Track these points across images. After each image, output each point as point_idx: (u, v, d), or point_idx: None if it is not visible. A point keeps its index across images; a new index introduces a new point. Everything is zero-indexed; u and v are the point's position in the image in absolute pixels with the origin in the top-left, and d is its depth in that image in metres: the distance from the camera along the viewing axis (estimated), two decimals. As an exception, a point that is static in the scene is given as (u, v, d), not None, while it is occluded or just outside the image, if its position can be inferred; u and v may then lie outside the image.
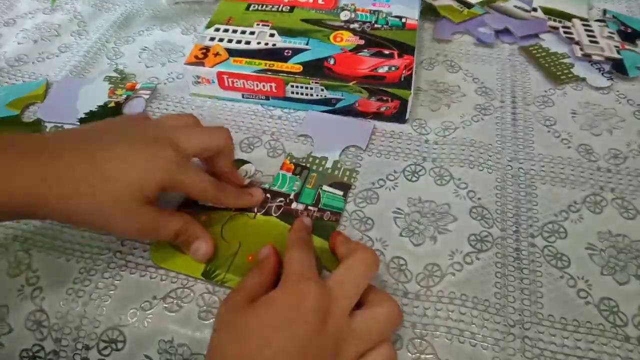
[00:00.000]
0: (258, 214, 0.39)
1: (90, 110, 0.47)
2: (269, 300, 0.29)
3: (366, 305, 0.31)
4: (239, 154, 0.44)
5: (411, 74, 0.45)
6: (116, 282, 0.35)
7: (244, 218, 0.38)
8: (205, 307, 0.34)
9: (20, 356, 0.34)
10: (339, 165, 0.42)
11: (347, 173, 0.42)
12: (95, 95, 0.48)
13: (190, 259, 0.36)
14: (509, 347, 0.32)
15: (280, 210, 0.39)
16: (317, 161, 0.43)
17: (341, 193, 0.40)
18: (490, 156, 0.43)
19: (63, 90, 0.49)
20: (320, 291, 0.29)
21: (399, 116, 0.45)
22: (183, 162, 0.33)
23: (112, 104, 0.47)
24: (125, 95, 0.48)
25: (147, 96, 0.48)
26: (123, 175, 0.31)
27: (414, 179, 0.42)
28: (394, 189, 0.41)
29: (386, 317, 0.30)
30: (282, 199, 0.40)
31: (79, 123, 0.46)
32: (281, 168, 0.42)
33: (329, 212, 0.39)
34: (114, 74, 0.51)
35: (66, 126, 0.46)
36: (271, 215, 0.39)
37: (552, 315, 0.34)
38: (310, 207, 0.39)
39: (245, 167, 0.42)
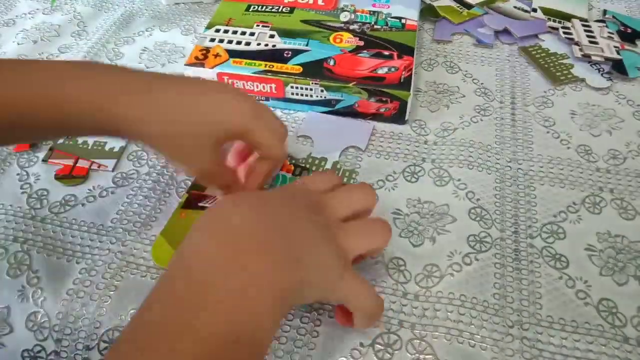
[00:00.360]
0: None
1: None
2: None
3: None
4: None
5: (411, 75, 0.45)
6: (116, 282, 0.36)
7: None
8: (205, 308, 0.34)
9: (22, 357, 0.34)
10: (338, 166, 0.42)
11: (347, 174, 0.42)
12: None
13: None
14: (507, 348, 0.32)
15: None
16: (316, 162, 0.43)
17: None
18: (489, 157, 0.43)
19: None
20: (313, 192, 0.33)
21: (399, 117, 0.46)
22: (261, 110, 0.35)
23: None
24: None
25: None
26: (213, 115, 0.33)
27: (413, 179, 0.42)
28: (393, 189, 0.41)
29: (381, 228, 0.33)
30: None
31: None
32: (281, 169, 0.42)
33: None
34: None
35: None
36: None
37: (550, 316, 0.34)
38: None
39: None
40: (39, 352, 0.34)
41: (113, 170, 0.42)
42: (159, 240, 0.37)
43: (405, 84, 0.44)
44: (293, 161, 0.43)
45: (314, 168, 0.42)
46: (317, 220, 0.30)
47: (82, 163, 0.43)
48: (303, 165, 0.42)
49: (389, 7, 0.53)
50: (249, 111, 0.34)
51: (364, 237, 0.32)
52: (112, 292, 0.35)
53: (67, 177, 0.42)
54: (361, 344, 0.33)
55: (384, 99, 0.44)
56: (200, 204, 0.39)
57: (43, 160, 0.43)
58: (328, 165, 0.42)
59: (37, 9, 0.60)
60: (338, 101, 0.45)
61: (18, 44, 0.55)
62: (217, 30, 0.50)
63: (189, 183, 0.41)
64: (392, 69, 0.45)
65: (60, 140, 0.44)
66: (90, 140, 0.45)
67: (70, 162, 0.43)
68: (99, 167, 0.43)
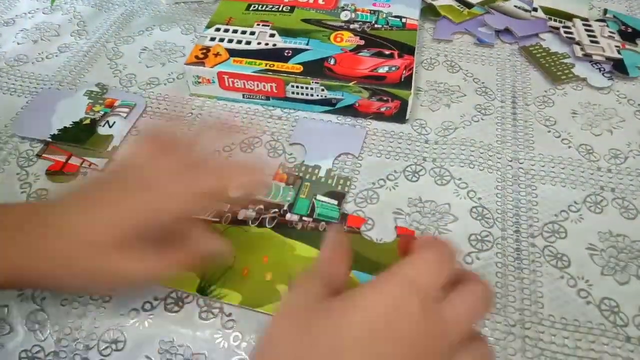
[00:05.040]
0: (252, 225, 0.38)
1: (64, 127, 0.45)
2: (358, 298, 0.24)
3: (453, 290, 0.25)
4: (238, 155, 0.43)
5: (411, 74, 0.45)
6: (116, 282, 0.35)
7: (237, 231, 0.38)
8: (205, 308, 0.34)
9: (20, 357, 0.33)
10: (332, 174, 0.42)
11: (341, 182, 0.41)
12: (72, 110, 0.47)
13: (184, 274, 0.35)
14: (509, 347, 0.32)
15: (275, 222, 0.38)
16: (310, 170, 0.42)
17: (335, 202, 0.40)
18: (490, 156, 0.43)
19: (41, 102, 0.47)
20: (416, 290, 0.24)
21: (399, 116, 0.45)
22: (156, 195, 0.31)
23: (87, 121, 0.46)
24: (102, 112, 0.46)
25: (125, 114, 0.46)
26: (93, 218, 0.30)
27: (414, 179, 0.42)
28: (394, 188, 0.41)
29: (476, 299, 0.25)
30: (276, 210, 0.39)
31: (50, 139, 0.44)
32: (274, 178, 0.41)
33: (324, 223, 0.38)
34: (95, 89, 0.49)
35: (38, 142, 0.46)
36: (265, 227, 0.38)
37: (552, 315, 0.34)
38: (304, 218, 0.38)
39: None
40: (37, 352, 0.33)
41: (102, 170, 0.42)
42: None
43: (406, 83, 0.44)
44: (286, 170, 0.42)
45: (307, 176, 0.41)
46: None
47: (74, 160, 0.43)
48: (297, 174, 0.42)
49: (389, 6, 0.53)
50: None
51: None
52: (112, 292, 0.35)
53: (58, 173, 0.42)
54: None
55: (384, 98, 0.44)
56: (193, 216, 0.38)
57: (37, 155, 0.43)
58: (322, 173, 0.42)
59: (37, 9, 0.60)
60: (338, 100, 0.45)
61: (18, 43, 0.55)
62: (218, 30, 0.49)
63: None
64: (393, 68, 0.45)
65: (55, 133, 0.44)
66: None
67: (62, 158, 0.43)
68: (89, 165, 0.43)
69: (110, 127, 0.46)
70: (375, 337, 0.23)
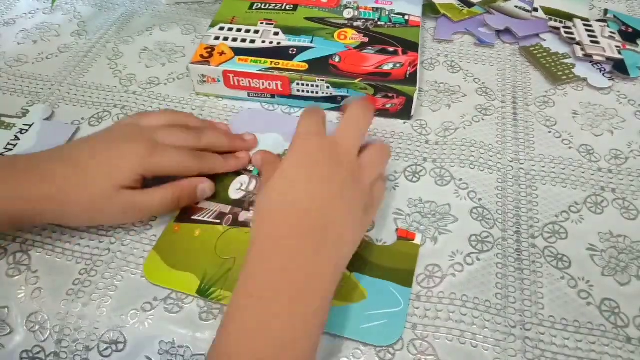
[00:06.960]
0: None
1: None
2: (284, 161, 0.33)
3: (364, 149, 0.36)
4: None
5: (416, 70, 0.45)
6: (116, 282, 0.35)
7: (237, 233, 0.38)
8: (205, 308, 0.34)
9: (21, 357, 0.33)
10: None
11: None
12: None
13: (184, 276, 0.35)
14: (510, 348, 0.32)
15: None
16: None
17: None
18: (491, 156, 0.43)
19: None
20: (325, 141, 0.35)
21: (405, 113, 0.45)
22: (156, 148, 0.37)
23: None
24: None
25: None
26: (99, 170, 0.35)
27: (414, 179, 0.42)
28: (394, 189, 0.41)
29: (382, 151, 0.37)
30: None
31: None
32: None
33: None
34: None
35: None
36: None
37: (553, 316, 0.34)
38: None
39: (240, 178, 0.41)
40: (38, 352, 0.33)
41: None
42: (152, 255, 0.37)
43: (411, 79, 0.44)
44: None
45: None
46: (359, 198, 0.34)
47: None
48: None
49: (391, 3, 0.53)
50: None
51: (382, 185, 0.37)
52: (112, 293, 0.35)
53: None
54: (363, 344, 0.33)
55: (390, 94, 0.44)
56: (194, 217, 0.39)
57: None
58: None
59: (37, 9, 0.60)
60: (344, 97, 0.45)
61: (18, 43, 0.55)
62: (222, 29, 0.49)
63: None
64: (398, 65, 0.45)
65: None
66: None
67: None
68: None
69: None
70: (297, 172, 0.33)
